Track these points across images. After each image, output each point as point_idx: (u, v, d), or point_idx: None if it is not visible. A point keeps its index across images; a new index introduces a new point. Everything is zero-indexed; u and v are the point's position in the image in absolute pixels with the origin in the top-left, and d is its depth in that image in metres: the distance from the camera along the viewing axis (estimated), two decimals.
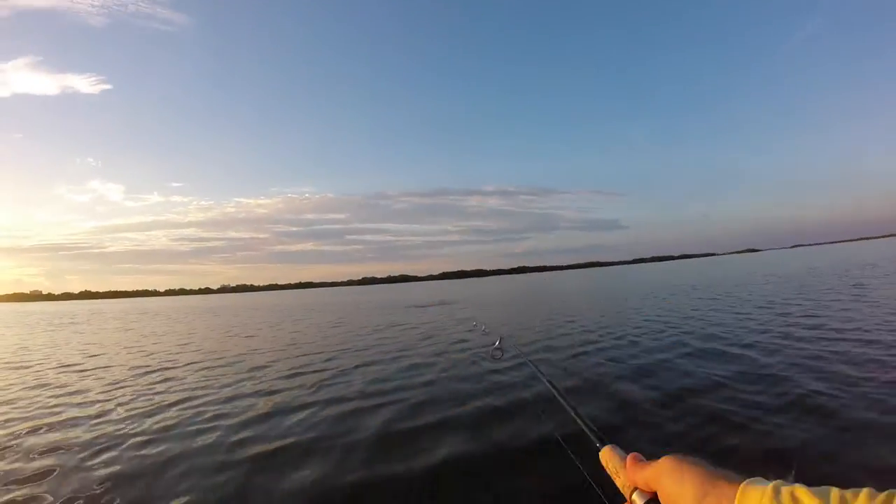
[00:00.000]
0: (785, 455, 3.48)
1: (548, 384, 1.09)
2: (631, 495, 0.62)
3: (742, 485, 0.48)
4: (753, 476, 0.50)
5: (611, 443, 0.73)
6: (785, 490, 0.45)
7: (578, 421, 0.81)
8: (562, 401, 0.94)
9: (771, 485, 0.47)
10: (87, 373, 9.59)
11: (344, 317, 21.64)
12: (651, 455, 0.64)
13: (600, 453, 0.72)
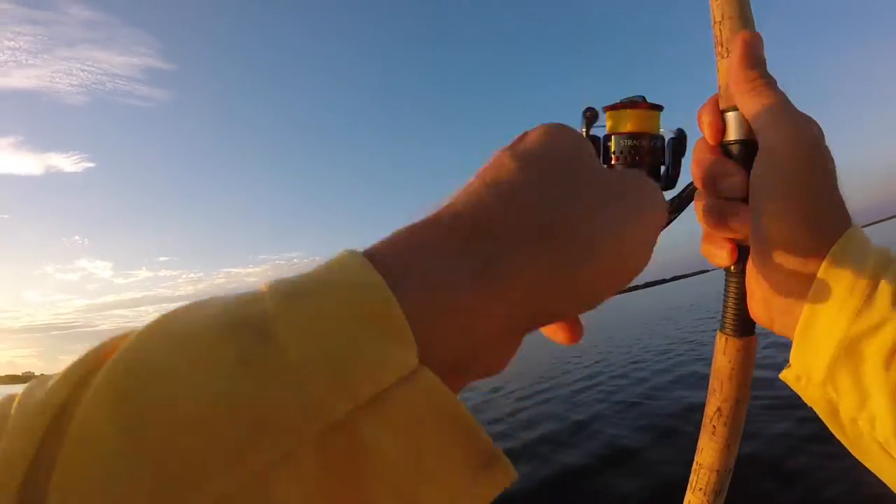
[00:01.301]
0: None
1: None
2: (726, 109, 0.39)
3: (841, 239, 0.33)
4: None
5: None
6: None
7: None
8: None
9: (871, 261, 0.32)
10: None
11: None
12: None
13: None
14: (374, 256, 0.21)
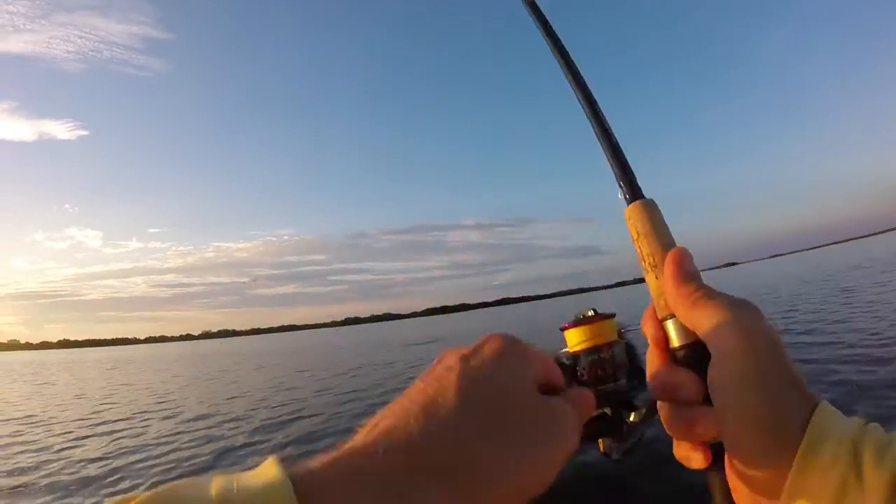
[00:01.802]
0: None
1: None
2: (665, 318, 0.42)
3: (814, 416, 0.34)
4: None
5: (648, 198, 0.46)
6: (869, 439, 0.33)
7: (607, 156, 0.49)
8: (592, 121, 0.52)
9: (850, 433, 0.34)
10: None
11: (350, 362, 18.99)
12: None
13: (628, 210, 0.46)
14: (303, 491, 0.26)
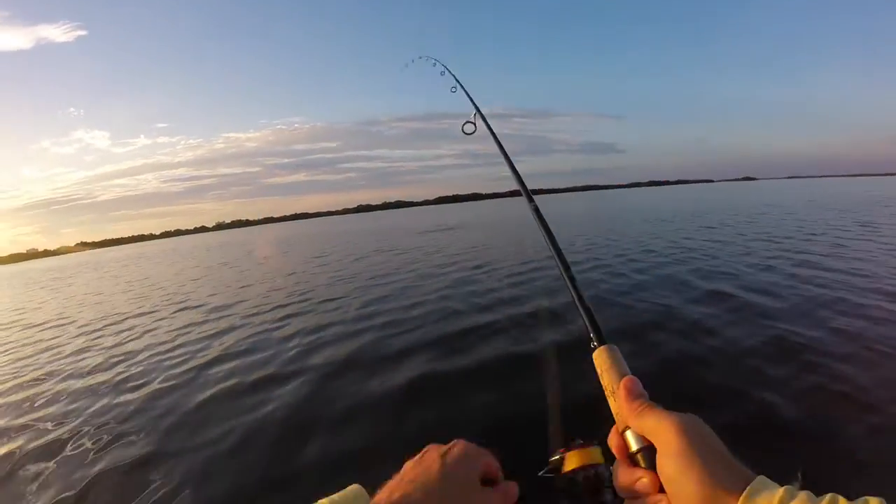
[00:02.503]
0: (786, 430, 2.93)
1: (559, 265, 0.82)
2: (623, 430, 0.55)
3: (750, 486, 0.44)
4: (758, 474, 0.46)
5: (611, 343, 0.64)
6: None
7: (580, 310, 0.70)
8: (568, 283, 0.77)
9: (778, 493, 0.43)
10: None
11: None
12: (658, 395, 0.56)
13: (595, 353, 0.64)
14: None
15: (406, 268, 11.33)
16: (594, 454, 0.61)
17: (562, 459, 0.62)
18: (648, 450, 0.52)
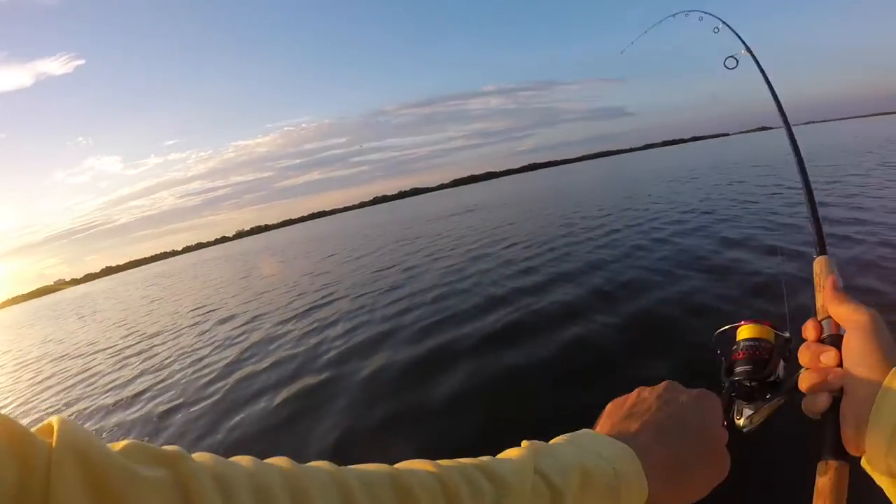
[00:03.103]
0: None
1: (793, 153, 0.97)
2: (822, 319, 0.62)
3: None
4: None
5: (828, 254, 0.72)
6: None
7: (809, 215, 0.81)
8: (805, 195, 0.85)
9: None
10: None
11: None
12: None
13: (815, 261, 0.72)
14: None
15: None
16: (767, 331, 0.69)
17: (736, 328, 0.71)
18: (839, 336, 0.59)
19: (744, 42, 1.42)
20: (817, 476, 0.53)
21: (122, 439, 0.30)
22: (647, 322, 4.27)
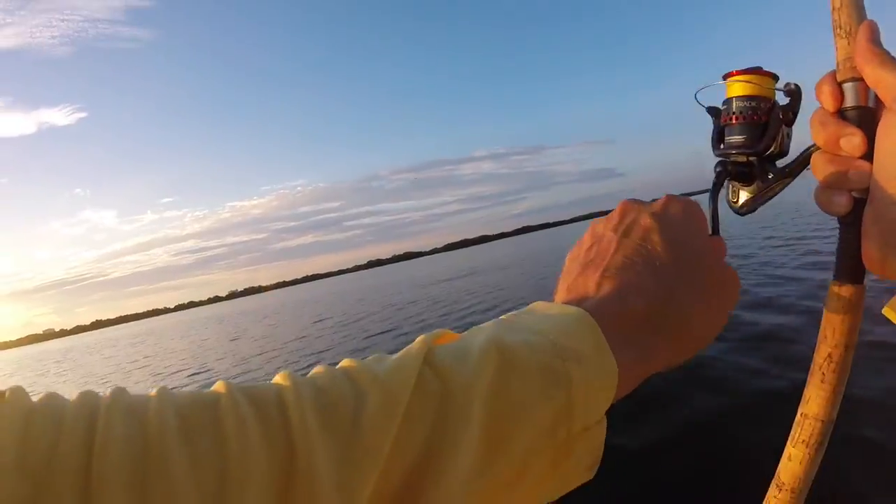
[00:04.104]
0: None
1: None
2: (844, 80, 0.42)
3: None
4: None
5: None
6: None
7: None
8: None
9: None
10: None
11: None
12: None
13: None
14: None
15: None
16: (766, 83, 0.49)
17: (726, 81, 0.50)
18: (867, 110, 0.41)
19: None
20: (827, 299, 0.43)
21: None
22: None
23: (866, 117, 0.42)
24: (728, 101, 0.50)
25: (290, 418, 0.25)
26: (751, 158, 0.49)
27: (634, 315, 0.34)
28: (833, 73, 0.44)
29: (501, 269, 23.28)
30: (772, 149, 0.48)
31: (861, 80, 0.42)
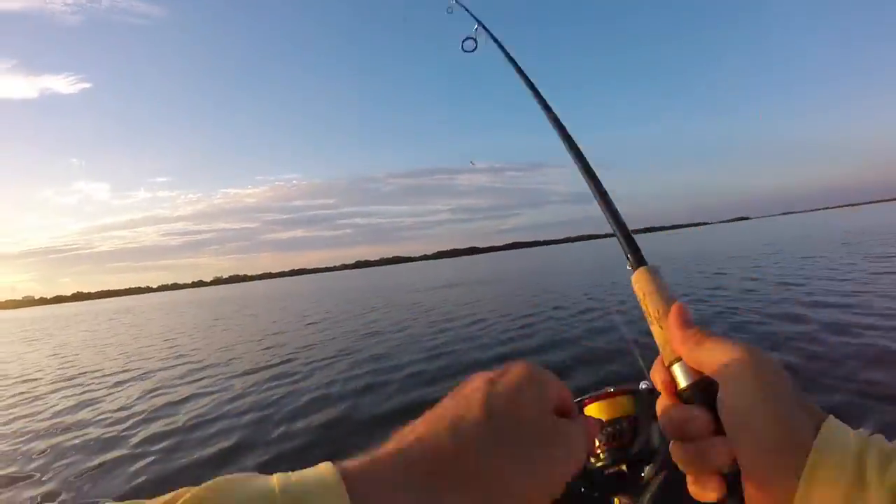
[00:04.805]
0: None
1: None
2: (671, 364, 0.46)
3: (824, 424, 0.37)
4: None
5: (652, 264, 0.52)
6: (873, 448, 0.35)
7: (613, 227, 0.58)
8: (598, 197, 0.62)
9: (852, 436, 0.36)
10: None
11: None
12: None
13: (634, 276, 0.52)
14: (353, 487, 0.29)
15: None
16: (620, 403, 0.52)
17: (581, 407, 0.53)
18: (703, 385, 0.43)
19: (476, 18, 1.24)
20: None
21: None
22: None
23: (703, 391, 0.42)
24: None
25: None
26: (622, 466, 0.51)
27: (423, 467, 0.33)
28: (661, 358, 0.47)
29: (484, 283, 23.44)
30: (639, 448, 0.50)
31: (683, 361, 0.44)
